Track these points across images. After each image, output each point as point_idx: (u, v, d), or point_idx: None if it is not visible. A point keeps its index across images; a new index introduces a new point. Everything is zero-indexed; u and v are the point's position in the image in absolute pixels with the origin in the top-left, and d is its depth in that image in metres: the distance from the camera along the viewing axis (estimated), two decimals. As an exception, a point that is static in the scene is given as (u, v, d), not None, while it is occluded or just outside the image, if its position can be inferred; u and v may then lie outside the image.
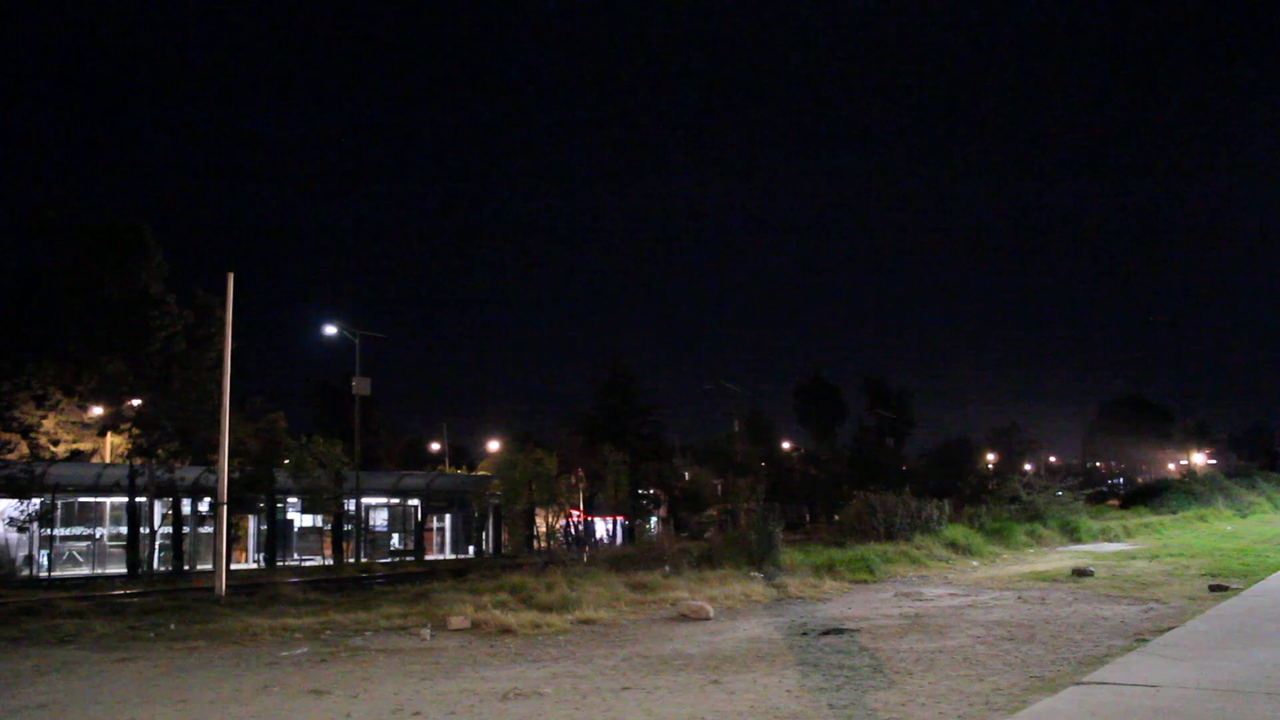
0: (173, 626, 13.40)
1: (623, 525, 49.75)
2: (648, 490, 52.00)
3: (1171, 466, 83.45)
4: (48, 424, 30.63)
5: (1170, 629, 10.64)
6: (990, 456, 71.20)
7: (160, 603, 17.12)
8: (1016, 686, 8.05)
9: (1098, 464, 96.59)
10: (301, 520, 38.17)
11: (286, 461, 34.75)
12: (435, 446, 65.79)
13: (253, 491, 32.81)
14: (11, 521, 27.68)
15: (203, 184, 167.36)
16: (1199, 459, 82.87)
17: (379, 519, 41.16)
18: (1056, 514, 31.53)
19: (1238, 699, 6.68)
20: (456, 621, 12.77)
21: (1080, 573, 18.15)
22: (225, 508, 21.42)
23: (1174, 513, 41.62)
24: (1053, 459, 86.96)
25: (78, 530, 32.33)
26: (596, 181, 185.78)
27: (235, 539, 33.92)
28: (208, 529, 31.31)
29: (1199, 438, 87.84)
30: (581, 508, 47.43)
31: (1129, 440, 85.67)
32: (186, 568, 30.67)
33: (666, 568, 18.20)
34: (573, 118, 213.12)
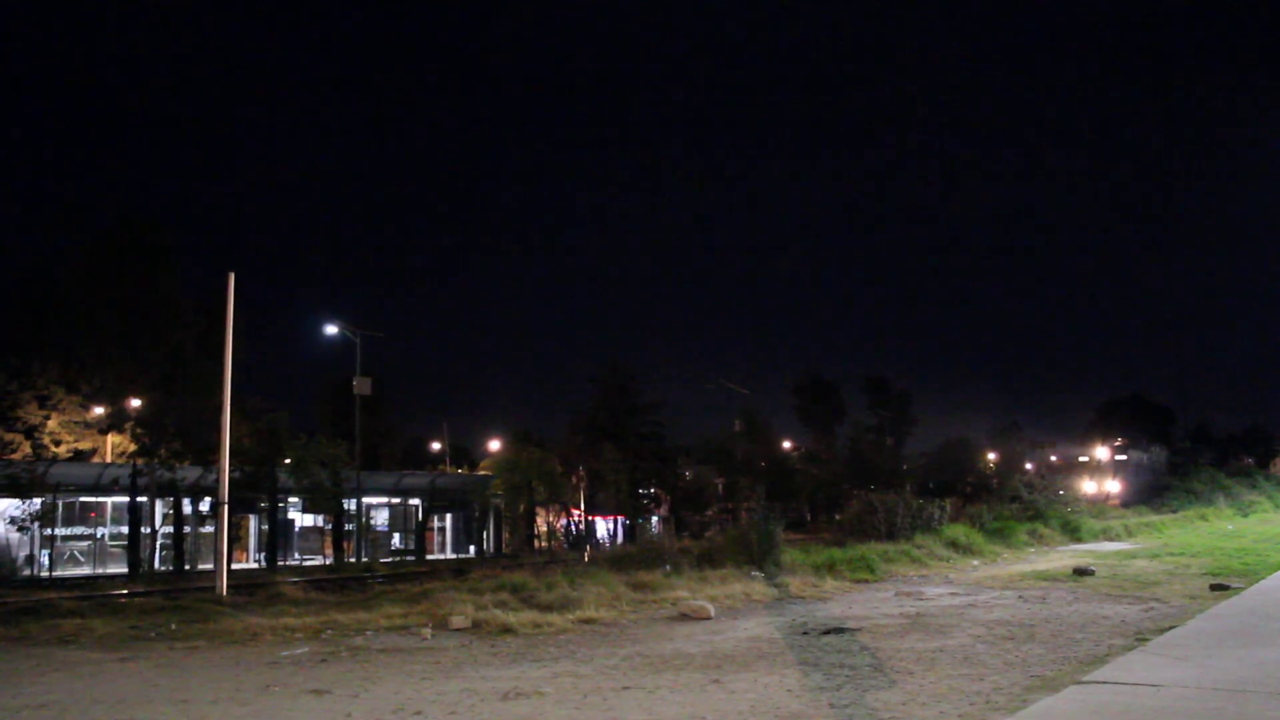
0: (174, 626, 13.41)
1: (623, 525, 49.74)
2: (648, 490, 51.99)
3: (1084, 459, 69.44)
4: (51, 424, 30.63)
5: (1171, 628, 10.64)
6: (991, 456, 70.99)
7: (161, 602, 17.13)
8: (1017, 686, 8.04)
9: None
10: (302, 520, 38.17)
11: (288, 461, 34.76)
12: (436, 446, 65.78)
13: (254, 491, 32.79)
14: (13, 521, 27.68)
15: (203, 184, 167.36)
16: (1103, 453, 70.07)
17: (380, 519, 41.17)
18: (1058, 513, 31.59)
19: (1239, 698, 6.67)
20: (457, 621, 12.78)
21: (1081, 572, 18.16)
22: (226, 507, 21.43)
23: (1175, 512, 41.70)
24: (1054, 458, 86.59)
25: (79, 530, 32.32)
26: (596, 182, 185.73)
27: (236, 539, 33.91)
28: (209, 529, 31.29)
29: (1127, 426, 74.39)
30: (582, 507, 47.45)
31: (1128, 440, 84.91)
32: (187, 567, 30.65)
33: (667, 567, 18.21)
34: (572, 118, 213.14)
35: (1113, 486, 50.68)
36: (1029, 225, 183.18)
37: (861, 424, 69.11)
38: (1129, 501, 50.49)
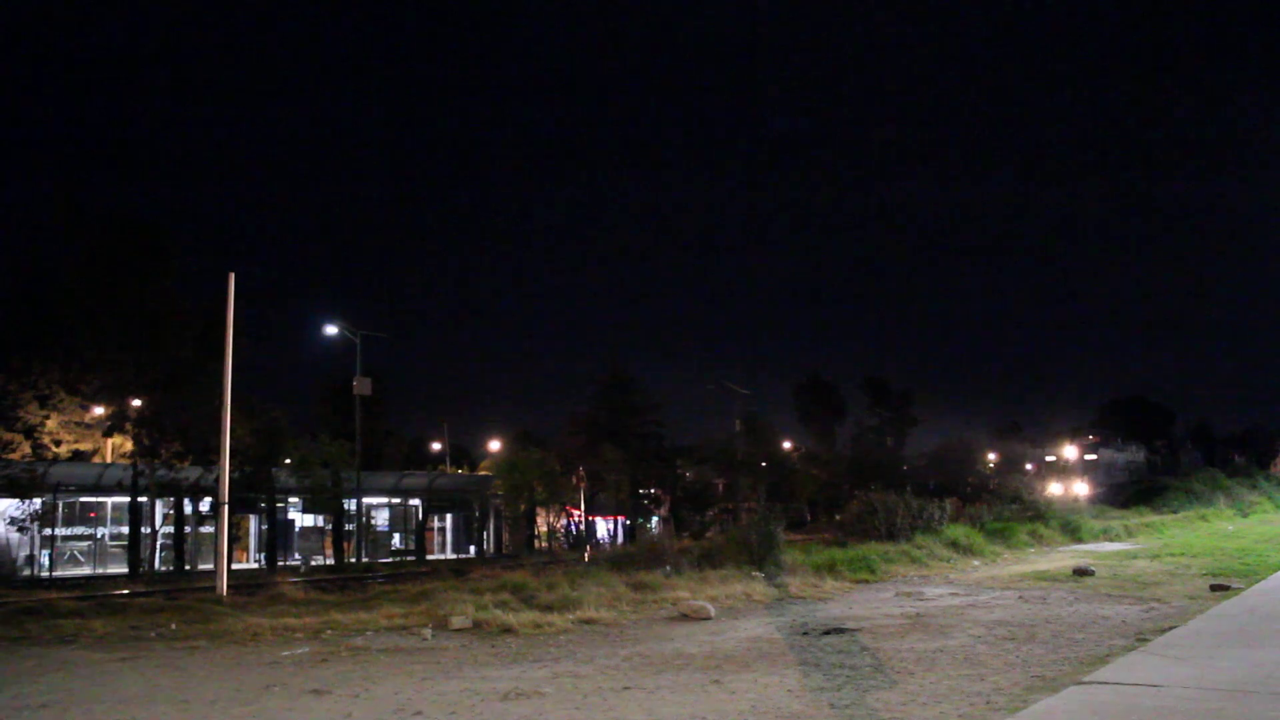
0: (174, 626, 13.40)
1: (624, 525, 49.77)
2: (648, 490, 52.03)
3: (1050, 459, 65.30)
4: (50, 424, 30.57)
5: (1172, 629, 10.64)
6: (992, 456, 70.97)
7: (161, 602, 17.11)
8: (1018, 686, 8.04)
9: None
10: (303, 520, 38.17)
11: (288, 461, 34.75)
12: (436, 446, 65.78)
13: (254, 491, 32.80)
14: (13, 521, 27.68)
15: (203, 184, 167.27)
16: (1070, 451, 65.85)
17: (380, 519, 41.17)
18: (1058, 514, 31.57)
19: (1239, 699, 6.67)
20: (458, 621, 12.77)
21: (1081, 572, 18.15)
22: (226, 508, 21.42)
23: (1175, 512, 41.68)
24: (1053, 459, 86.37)
25: (79, 530, 32.33)
26: (595, 181, 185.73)
27: (236, 539, 33.92)
28: (209, 529, 31.32)
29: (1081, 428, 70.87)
30: (582, 508, 47.45)
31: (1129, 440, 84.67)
32: (187, 567, 30.67)
33: (667, 567, 18.19)
34: (571, 117, 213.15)
35: (1081, 488, 47.64)
36: (1029, 225, 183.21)
37: (862, 424, 69.25)
38: (1126, 503, 50.28)
